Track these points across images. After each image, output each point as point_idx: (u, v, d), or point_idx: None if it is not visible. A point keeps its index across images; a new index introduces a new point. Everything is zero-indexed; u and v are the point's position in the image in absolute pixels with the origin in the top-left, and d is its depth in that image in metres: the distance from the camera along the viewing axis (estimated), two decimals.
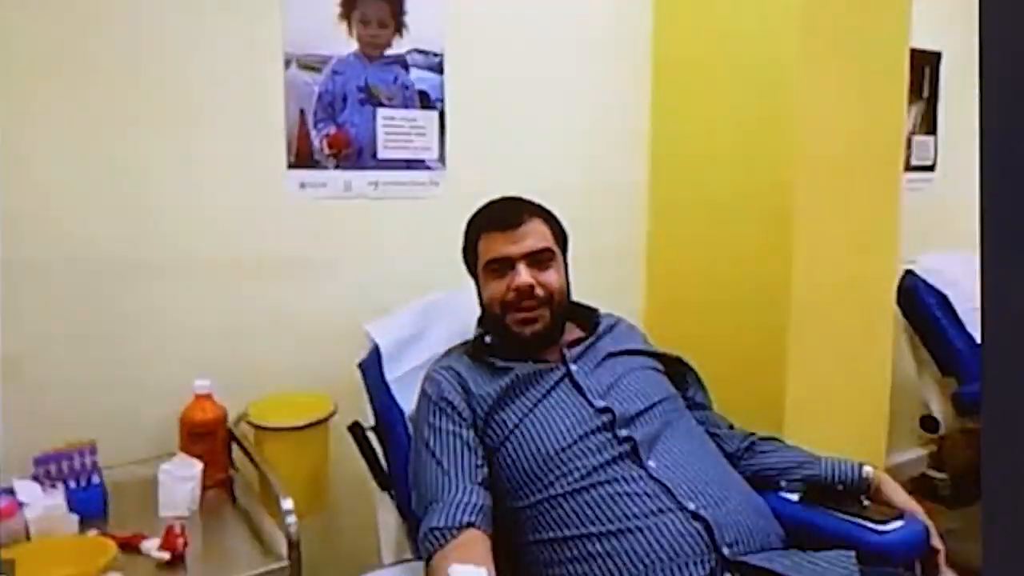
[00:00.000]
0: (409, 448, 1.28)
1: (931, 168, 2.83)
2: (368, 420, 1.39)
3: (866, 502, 1.23)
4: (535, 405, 1.18)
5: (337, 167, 1.63)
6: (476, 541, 1.04)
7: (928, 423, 2.34)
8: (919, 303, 2.26)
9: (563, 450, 1.12)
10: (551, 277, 1.25)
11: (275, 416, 1.43)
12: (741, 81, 1.77)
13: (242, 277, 1.54)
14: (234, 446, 1.43)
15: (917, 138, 2.75)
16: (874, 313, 1.90)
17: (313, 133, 1.60)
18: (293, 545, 1.14)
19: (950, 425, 2.32)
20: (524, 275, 1.21)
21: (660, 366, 1.34)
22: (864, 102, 1.79)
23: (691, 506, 1.04)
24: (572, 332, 1.31)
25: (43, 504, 1.12)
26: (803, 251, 1.69)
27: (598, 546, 1.02)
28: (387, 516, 1.35)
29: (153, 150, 1.44)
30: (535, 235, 1.25)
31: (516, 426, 1.16)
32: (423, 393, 1.25)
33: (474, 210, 1.33)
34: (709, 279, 1.88)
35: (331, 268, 1.64)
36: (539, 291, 1.22)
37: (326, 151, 1.62)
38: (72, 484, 1.23)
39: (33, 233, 1.35)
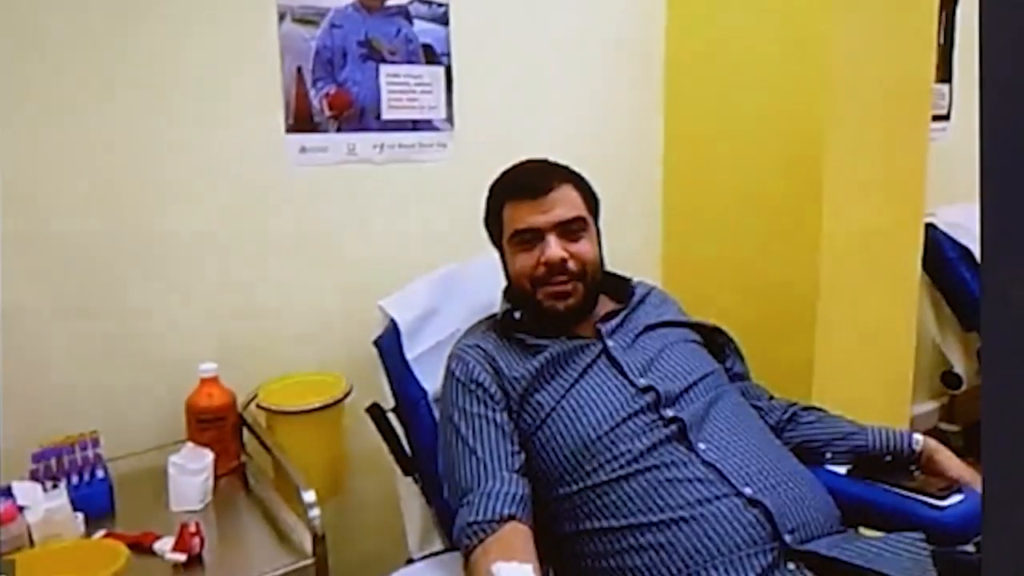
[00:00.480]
0: (434, 430, 1.20)
1: (946, 117, 2.74)
2: (383, 400, 1.31)
3: (916, 473, 1.18)
4: (572, 385, 1.09)
5: (339, 130, 1.52)
6: (518, 534, 0.97)
7: (950, 379, 2.29)
8: (942, 258, 2.19)
9: (605, 434, 1.04)
10: (584, 248, 1.15)
11: (287, 398, 1.35)
12: (768, 27, 1.67)
13: (242, 252, 1.44)
14: (244, 431, 1.35)
15: (932, 86, 2.65)
16: (901, 266, 1.84)
17: (312, 93, 1.48)
18: (318, 540, 1.07)
19: (971, 381, 2.27)
20: (555, 248, 1.12)
21: (698, 337, 1.25)
22: (893, 47, 1.70)
23: (748, 491, 0.97)
24: (605, 304, 1.22)
25: (45, 506, 1.03)
26: (832, 201, 1.62)
27: (649, 537, 0.95)
28: (411, 502, 1.28)
29: (142, 117, 1.32)
30: (565, 203, 1.15)
31: (553, 409, 1.08)
32: (449, 374, 1.16)
33: (497, 174, 1.22)
34: (734, 231, 1.80)
35: (335, 239, 1.54)
36: (571, 264, 1.13)
37: (326, 113, 1.50)
38: (75, 480, 1.15)
39: (27, 208, 1.24)
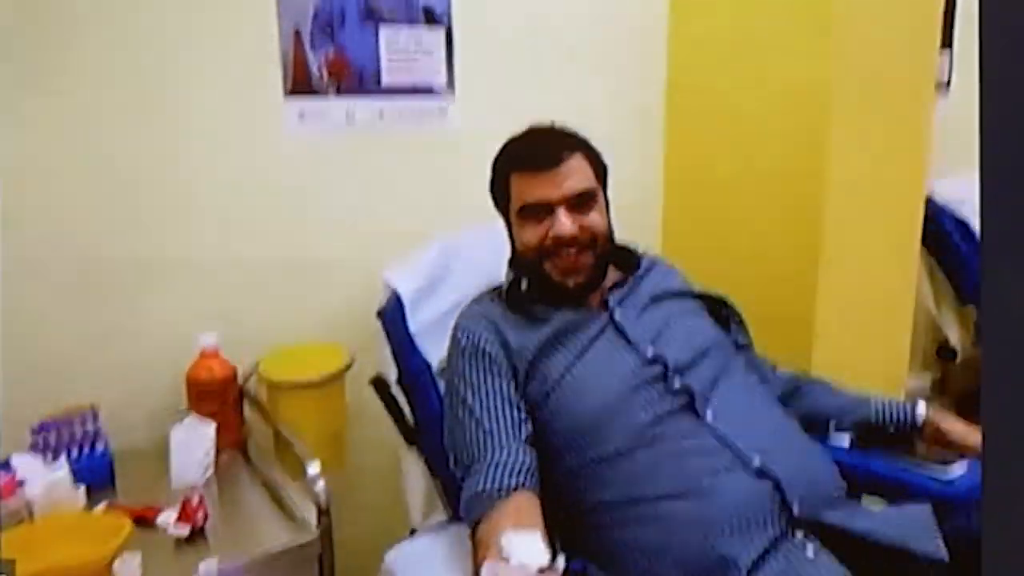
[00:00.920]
0: (438, 401, 1.19)
1: (946, 85, 2.70)
2: (384, 371, 1.29)
3: (920, 443, 1.18)
4: (579, 356, 1.08)
5: (338, 92, 1.48)
6: (527, 504, 0.96)
7: (946, 351, 2.30)
8: (940, 232, 2.18)
9: (613, 404, 1.03)
10: (594, 219, 1.13)
11: (288, 370, 1.33)
12: None
13: (241, 221, 1.41)
14: (245, 403, 1.33)
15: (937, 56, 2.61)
16: (902, 234, 1.83)
17: (310, 56, 1.44)
18: (323, 511, 1.06)
19: (966, 352, 2.29)
20: (565, 222, 1.10)
21: (704, 308, 1.24)
22: (898, 14, 1.67)
23: (756, 461, 0.96)
24: (611, 275, 1.21)
25: (45, 479, 1.02)
26: (837, 166, 1.60)
27: (659, 509, 0.95)
28: (414, 473, 1.28)
29: (135, 83, 1.27)
30: (576, 175, 1.12)
31: (560, 379, 1.06)
32: (455, 344, 1.14)
33: (502, 142, 1.19)
34: (737, 195, 1.78)
35: (335, 209, 1.50)
36: (581, 235, 1.11)
37: (325, 77, 1.46)
38: (75, 452, 1.14)
39: (21, 180, 1.21)
